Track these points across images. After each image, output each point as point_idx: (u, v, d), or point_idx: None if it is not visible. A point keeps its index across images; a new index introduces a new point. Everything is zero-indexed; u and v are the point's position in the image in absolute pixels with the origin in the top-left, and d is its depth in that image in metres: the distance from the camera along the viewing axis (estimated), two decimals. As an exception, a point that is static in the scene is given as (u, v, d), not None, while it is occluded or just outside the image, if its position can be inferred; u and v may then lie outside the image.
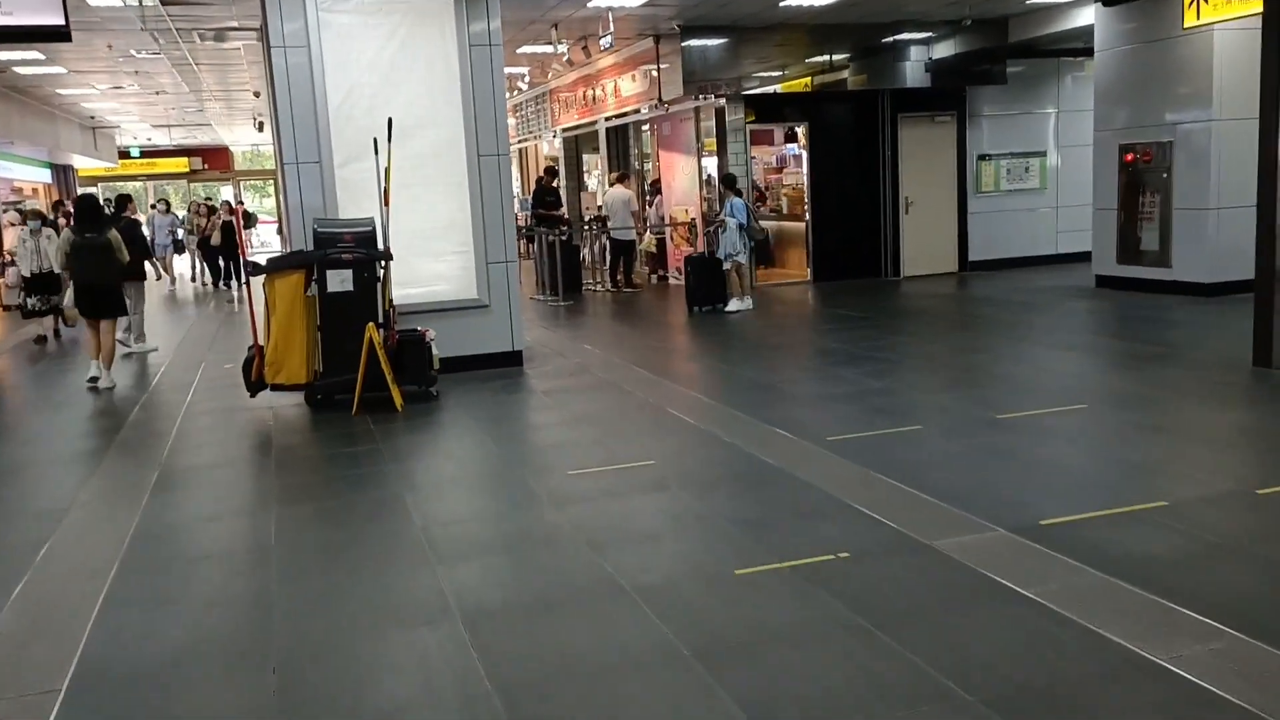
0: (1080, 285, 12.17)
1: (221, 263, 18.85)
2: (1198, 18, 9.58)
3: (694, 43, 12.98)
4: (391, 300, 7.82)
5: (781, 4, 11.44)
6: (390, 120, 7.83)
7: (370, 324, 7.33)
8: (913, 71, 14.21)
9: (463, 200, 8.68)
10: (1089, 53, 14.39)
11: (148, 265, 11.84)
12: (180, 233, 20.37)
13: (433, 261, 8.69)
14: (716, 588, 3.88)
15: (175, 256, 20.23)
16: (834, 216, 14.21)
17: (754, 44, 13.38)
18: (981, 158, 14.52)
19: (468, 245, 8.75)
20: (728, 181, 12.10)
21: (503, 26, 8.75)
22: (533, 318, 12.01)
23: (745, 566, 4.04)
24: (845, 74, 14.26)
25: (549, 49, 13.70)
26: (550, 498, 5.10)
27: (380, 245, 7.71)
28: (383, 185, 7.81)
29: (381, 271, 7.69)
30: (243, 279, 18.02)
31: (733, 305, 11.69)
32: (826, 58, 13.92)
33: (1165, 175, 10.85)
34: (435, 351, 7.82)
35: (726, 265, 11.77)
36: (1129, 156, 11.27)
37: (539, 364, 9.00)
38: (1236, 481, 4.86)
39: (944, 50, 13.87)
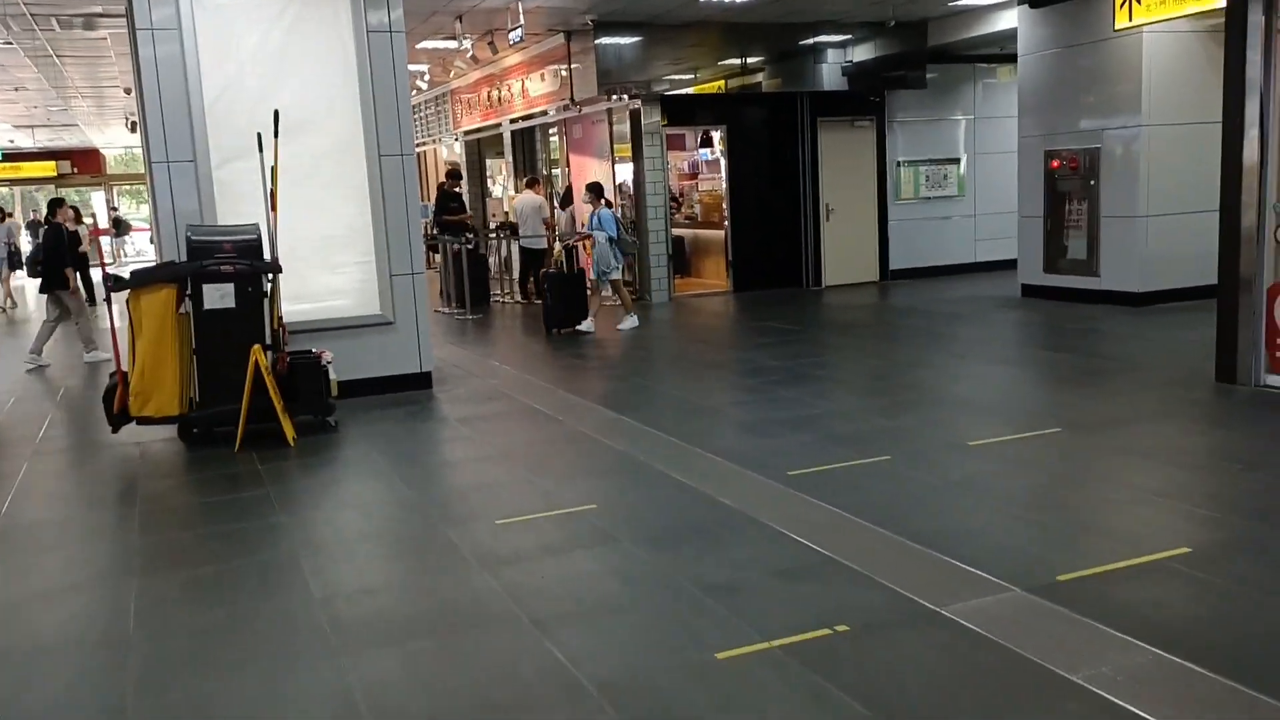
0: (1006, 295, 11.88)
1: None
2: (1130, 18, 9.32)
3: (607, 40, 12.27)
4: (281, 318, 6.87)
5: (702, -1, 10.84)
6: (276, 113, 6.89)
7: (256, 346, 6.38)
8: (829, 75, 13.77)
9: (363, 205, 7.77)
10: (1008, 59, 14.26)
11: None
12: (24, 241, 18.28)
13: (329, 274, 7.77)
14: (698, 680, 3.15)
15: (13, 272, 16.91)
16: (753, 224, 13.69)
17: (668, 44, 12.75)
18: (901, 164, 14.20)
19: (369, 255, 7.84)
20: (594, 190, 11.21)
21: (404, 17, 7.89)
22: (440, 333, 11.10)
23: (727, 647, 3.32)
24: (760, 77, 13.75)
25: (452, 44, 12.82)
26: (478, 556, 4.29)
27: (267, 255, 6.77)
28: (269, 188, 6.86)
29: (269, 286, 6.75)
30: (81, 297, 16.25)
31: (627, 324, 10.68)
32: (741, 60, 13.36)
33: (1092, 183, 10.60)
34: (333, 376, 6.91)
35: (605, 287, 10.79)
36: (1054, 163, 11.01)
37: (450, 386, 8.14)
38: (1253, 518, 4.36)
39: (862, 53, 13.49)
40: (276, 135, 6.87)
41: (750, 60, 13.32)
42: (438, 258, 14.76)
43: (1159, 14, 9.05)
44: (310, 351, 6.96)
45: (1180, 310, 9.90)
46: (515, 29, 10.62)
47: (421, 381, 8.04)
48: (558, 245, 14.78)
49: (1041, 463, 5.31)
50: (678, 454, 5.72)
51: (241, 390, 6.38)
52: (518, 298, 14.09)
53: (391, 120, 7.77)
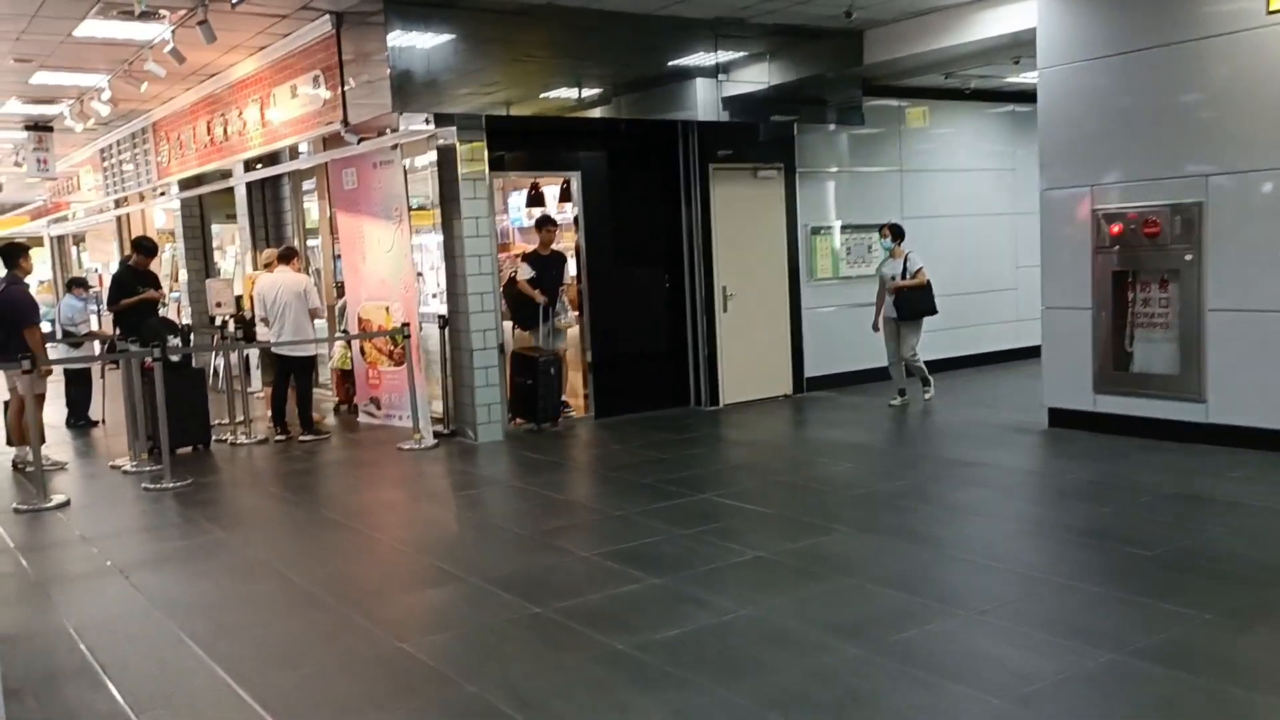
0: (1023, 422, 7.96)
1: None
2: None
3: (405, 37, 7.53)
4: None
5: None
6: None
7: None
8: (705, 100, 9.36)
9: None
10: (943, 94, 10.80)
11: None
12: None
13: None
14: None
15: None
16: (621, 317, 9.27)
17: (498, 45, 8.13)
18: (815, 230, 10.23)
19: None
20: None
21: None
22: (112, 530, 5.81)
23: None
24: (602, 110, 9.05)
25: (136, 29, 7.67)
26: None
27: None
28: None
29: None
30: None
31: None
32: (578, 87, 8.74)
33: (1188, 257, 6.88)
34: None
35: None
36: (1115, 228, 7.25)
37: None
38: None
39: (775, 73, 9.41)
40: None
41: (607, 82, 8.77)
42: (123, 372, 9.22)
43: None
44: None
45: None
46: (239, -28, 5.69)
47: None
48: (339, 348, 9.91)
49: None
50: None
51: None
52: (260, 434, 8.85)
53: None
